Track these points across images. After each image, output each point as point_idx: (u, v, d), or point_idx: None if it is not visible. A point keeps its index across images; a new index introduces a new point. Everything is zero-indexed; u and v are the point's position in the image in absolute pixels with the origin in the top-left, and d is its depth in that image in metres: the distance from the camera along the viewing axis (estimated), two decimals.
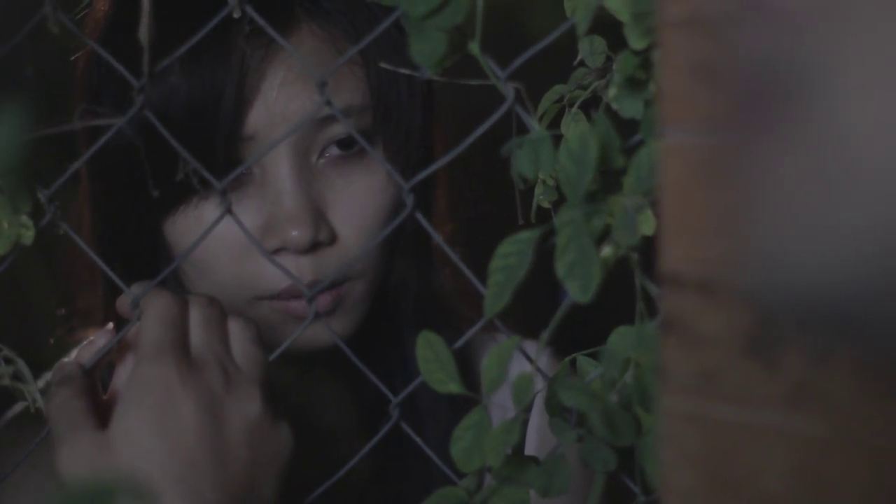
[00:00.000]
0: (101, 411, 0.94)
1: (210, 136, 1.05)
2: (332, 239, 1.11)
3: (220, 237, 1.07)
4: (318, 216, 1.09)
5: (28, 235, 0.96)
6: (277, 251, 1.08)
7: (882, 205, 0.40)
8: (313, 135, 1.10)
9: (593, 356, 0.90)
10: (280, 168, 1.09)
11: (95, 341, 0.99)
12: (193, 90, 1.05)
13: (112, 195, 1.15)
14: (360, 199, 1.12)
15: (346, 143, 1.11)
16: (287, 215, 1.08)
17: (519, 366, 0.91)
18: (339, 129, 1.11)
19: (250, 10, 0.92)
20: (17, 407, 1.20)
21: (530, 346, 0.94)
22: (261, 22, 0.93)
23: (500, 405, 1.06)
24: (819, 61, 0.41)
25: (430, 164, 1.16)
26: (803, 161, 0.42)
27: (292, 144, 1.08)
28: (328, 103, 0.93)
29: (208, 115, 1.06)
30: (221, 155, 1.06)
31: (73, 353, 1.00)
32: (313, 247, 1.09)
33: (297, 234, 1.08)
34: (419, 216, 0.95)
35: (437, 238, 0.96)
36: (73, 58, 1.16)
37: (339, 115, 0.99)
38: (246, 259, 1.10)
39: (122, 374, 0.97)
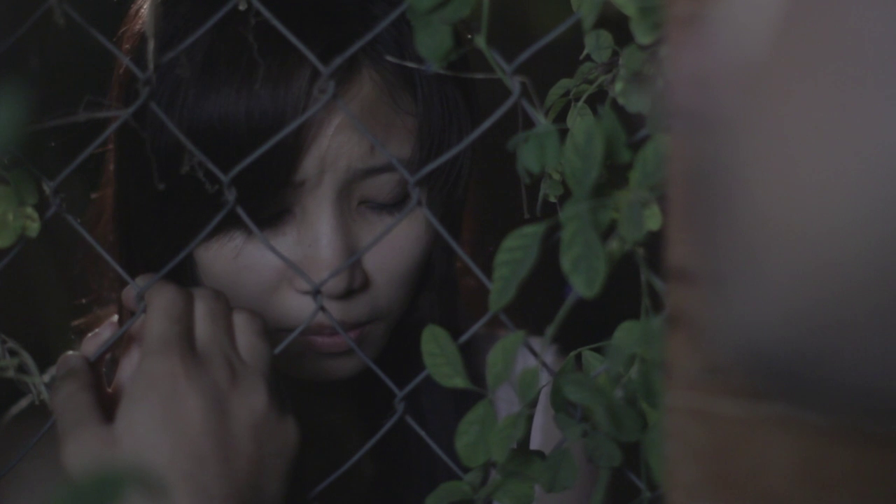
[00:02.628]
0: (107, 405, 0.94)
1: (261, 178, 1.05)
2: (365, 285, 1.11)
3: (252, 269, 1.08)
4: (354, 264, 1.09)
5: (33, 228, 0.96)
6: (308, 292, 1.08)
7: (802, 263, 0.45)
8: (359, 182, 1.09)
9: (598, 351, 0.90)
10: (321, 212, 1.08)
11: (100, 334, 0.99)
12: (251, 116, 1.04)
13: (145, 207, 1.14)
14: (397, 248, 1.12)
15: (385, 206, 1.11)
16: (323, 262, 1.08)
17: (522, 362, 0.91)
18: (383, 181, 1.10)
19: (255, 3, 0.92)
20: (23, 402, 1.21)
21: (534, 344, 0.94)
22: (267, 14, 0.93)
23: (505, 399, 1.06)
24: (738, 158, 0.47)
25: (465, 200, 1.17)
26: (734, 238, 0.48)
27: (337, 190, 1.08)
28: (334, 96, 0.93)
29: (266, 156, 1.05)
30: (270, 196, 1.06)
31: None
32: (346, 294, 1.09)
33: (332, 281, 1.07)
34: (427, 211, 0.95)
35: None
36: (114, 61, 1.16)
37: (347, 112, 0.99)
38: (274, 293, 1.10)
39: (127, 368, 0.97)
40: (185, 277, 1.11)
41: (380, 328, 1.15)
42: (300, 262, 1.08)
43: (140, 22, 1.13)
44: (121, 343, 0.99)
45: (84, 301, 1.26)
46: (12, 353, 0.97)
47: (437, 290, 1.21)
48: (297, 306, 1.08)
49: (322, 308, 1.00)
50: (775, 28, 0.45)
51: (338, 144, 1.06)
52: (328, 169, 1.07)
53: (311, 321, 1.02)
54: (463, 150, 1.13)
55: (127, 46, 1.11)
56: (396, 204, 1.11)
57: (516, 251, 0.84)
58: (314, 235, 1.08)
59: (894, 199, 0.42)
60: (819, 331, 0.45)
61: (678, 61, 0.50)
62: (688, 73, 0.49)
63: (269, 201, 1.07)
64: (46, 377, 0.97)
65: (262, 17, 0.93)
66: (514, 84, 0.87)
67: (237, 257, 1.09)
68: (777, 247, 0.45)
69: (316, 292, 1.00)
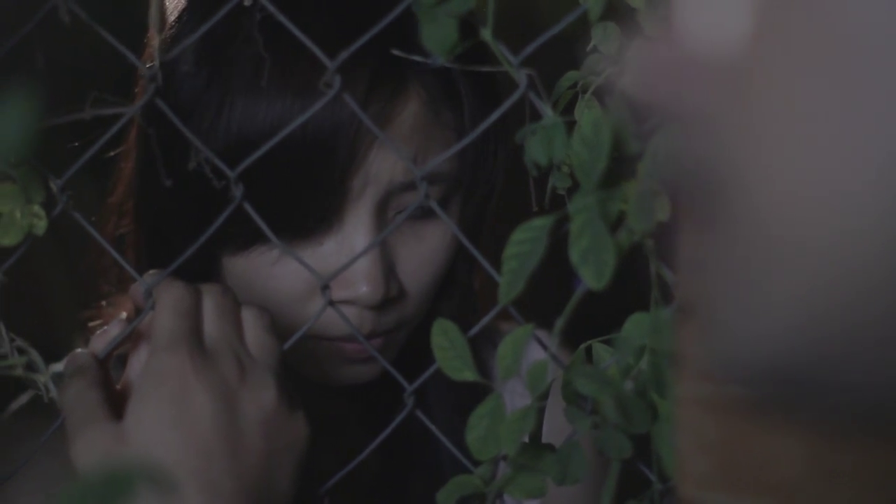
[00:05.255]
0: (115, 402, 0.94)
1: (307, 189, 1.06)
2: (401, 294, 1.12)
3: (287, 277, 1.08)
4: (390, 273, 1.10)
5: (40, 226, 0.96)
6: (345, 302, 1.08)
7: (804, 275, 0.44)
8: (397, 196, 1.10)
9: (608, 343, 0.90)
10: (360, 223, 1.09)
11: (109, 331, 0.99)
12: (306, 127, 1.04)
13: (177, 209, 1.13)
14: (428, 257, 1.14)
15: (419, 216, 1.12)
16: (359, 273, 1.08)
17: (525, 354, 0.91)
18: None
19: (270, 6, 0.93)
20: (24, 397, 1.20)
21: (541, 336, 0.94)
22: (272, 9, 0.92)
23: (510, 391, 1.06)
24: (729, 159, 0.45)
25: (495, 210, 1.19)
26: (733, 243, 0.46)
27: (377, 202, 1.09)
28: (338, 92, 0.93)
29: (319, 168, 1.05)
30: (313, 207, 1.07)
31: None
32: (382, 303, 1.10)
33: (369, 290, 1.08)
34: (433, 204, 0.95)
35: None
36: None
37: (355, 104, 0.99)
38: (308, 301, 1.10)
39: (136, 365, 0.97)
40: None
41: (402, 334, 1.16)
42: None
43: (168, 27, 1.13)
44: (130, 340, 0.99)
45: (93, 298, 1.26)
46: (20, 351, 0.97)
47: (460, 297, 1.22)
48: (330, 315, 1.08)
49: (331, 303, 1.00)
50: (754, 17, 0.44)
51: (382, 158, 1.07)
52: (371, 182, 1.07)
53: (317, 319, 1.02)
54: (498, 170, 1.16)
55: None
56: (431, 213, 1.12)
57: (525, 244, 0.83)
58: (351, 247, 1.09)
59: None
60: (825, 341, 0.44)
61: (651, 57, 0.48)
62: (661, 69, 0.48)
63: (311, 211, 1.07)
64: (51, 372, 0.97)
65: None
66: (521, 76, 0.86)
67: (275, 265, 1.09)
68: (779, 258, 0.44)
69: (324, 288, 1.00)
